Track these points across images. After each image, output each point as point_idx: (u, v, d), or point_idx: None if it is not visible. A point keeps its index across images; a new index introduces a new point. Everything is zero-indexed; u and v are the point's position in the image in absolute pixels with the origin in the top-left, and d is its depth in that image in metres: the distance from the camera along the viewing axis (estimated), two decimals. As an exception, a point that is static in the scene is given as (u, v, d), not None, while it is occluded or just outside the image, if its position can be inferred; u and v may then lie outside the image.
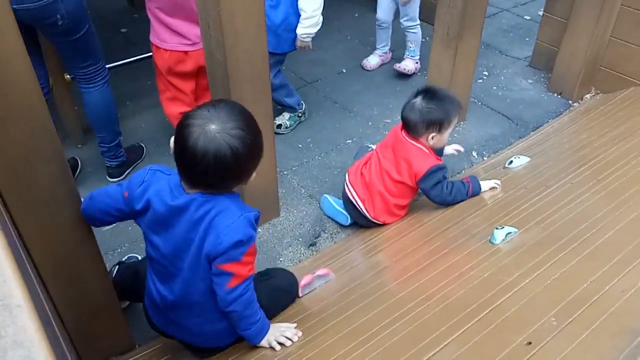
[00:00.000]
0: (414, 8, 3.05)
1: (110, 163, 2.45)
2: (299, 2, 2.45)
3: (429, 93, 2.02)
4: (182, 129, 1.23)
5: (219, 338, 1.55)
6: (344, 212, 2.21)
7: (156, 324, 1.56)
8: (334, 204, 2.24)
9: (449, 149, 2.28)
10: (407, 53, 3.24)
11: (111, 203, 1.40)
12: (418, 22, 3.13)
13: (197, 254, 1.33)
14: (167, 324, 1.54)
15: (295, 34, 2.52)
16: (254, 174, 1.35)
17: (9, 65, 1.16)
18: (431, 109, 1.99)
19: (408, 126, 2.04)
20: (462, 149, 2.31)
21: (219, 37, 1.66)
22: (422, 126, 2.00)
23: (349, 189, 2.15)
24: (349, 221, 2.21)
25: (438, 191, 2.02)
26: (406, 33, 3.17)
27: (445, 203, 2.06)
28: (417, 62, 3.25)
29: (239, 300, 1.35)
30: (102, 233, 2.11)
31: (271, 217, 2.24)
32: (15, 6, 1.85)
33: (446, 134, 2.05)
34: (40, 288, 1.26)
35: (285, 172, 2.52)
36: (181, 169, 1.28)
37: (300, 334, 1.51)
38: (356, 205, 2.12)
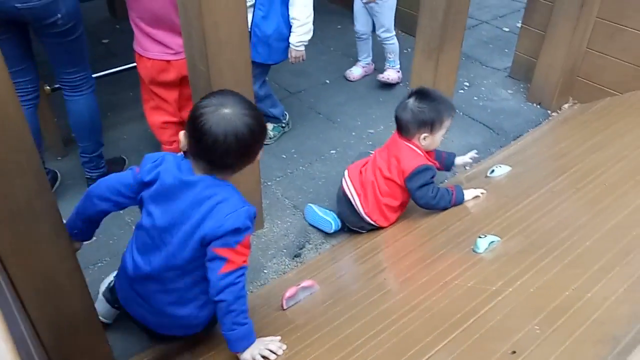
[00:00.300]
0: (389, 19, 3.08)
1: (91, 174, 2.41)
2: (290, 11, 2.45)
3: (421, 94, 2.05)
4: (197, 118, 1.32)
5: (178, 324, 1.57)
6: (328, 218, 2.21)
7: (120, 299, 1.61)
8: (318, 212, 2.24)
9: (463, 160, 2.28)
10: (388, 64, 3.27)
11: (120, 180, 1.49)
12: (394, 32, 3.16)
13: (191, 232, 1.39)
14: (130, 300, 1.58)
15: (287, 44, 2.52)
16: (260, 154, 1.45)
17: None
18: (423, 109, 2.01)
19: (400, 126, 2.07)
20: (476, 155, 2.31)
21: (202, 48, 1.65)
22: (414, 126, 2.03)
23: (346, 183, 2.17)
24: (333, 228, 2.20)
25: (423, 193, 2.03)
26: (384, 45, 3.20)
27: (429, 206, 2.07)
28: (398, 72, 3.28)
29: (230, 289, 1.37)
30: (82, 247, 2.08)
31: (255, 229, 2.22)
32: (19, 5, 1.85)
33: (438, 135, 2.06)
34: (16, 306, 1.22)
35: (269, 183, 2.50)
36: (200, 154, 1.37)
37: (284, 347, 1.49)
38: (352, 200, 2.13)
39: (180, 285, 1.48)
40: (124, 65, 2.70)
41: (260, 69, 2.56)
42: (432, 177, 2.06)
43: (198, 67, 1.74)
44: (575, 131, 2.71)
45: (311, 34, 2.53)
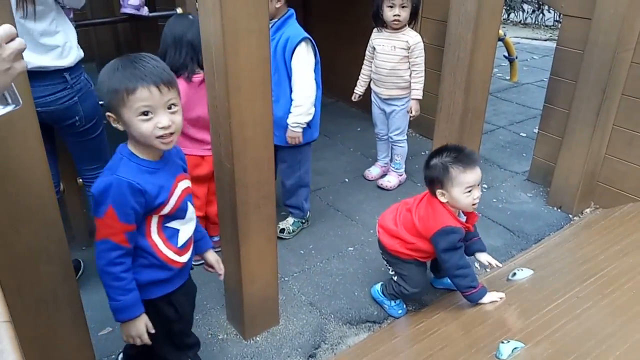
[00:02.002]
0: (404, 123, 3.20)
1: None
2: (292, 92, 2.48)
3: (446, 149, 2.03)
4: None
5: None
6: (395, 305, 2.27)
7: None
8: (384, 299, 2.29)
9: (487, 258, 2.19)
10: (393, 166, 3.36)
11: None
12: (406, 137, 3.27)
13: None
14: None
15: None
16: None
17: (28, 168, 1.22)
18: (435, 164, 2.00)
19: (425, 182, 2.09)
20: (495, 263, 2.18)
21: (228, 146, 1.74)
22: (427, 182, 2.04)
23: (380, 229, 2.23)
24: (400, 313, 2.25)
25: (448, 257, 1.99)
26: (394, 146, 3.30)
27: (451, 276, 2.04)
28: (400, 175, 3.36)
29: (97, 256, 1.35)
30: (97, 337, 2.06)
31: (270, 325, 2.19)
32: (39, 109, 1.97)
33: (455, 192, 1.96)
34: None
35: (286, 279, 2.49)
36: None
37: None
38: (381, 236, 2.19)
39: None
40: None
41: (301, 154, 2.65)
42: (459, 240, 1.99)
43: (224, 164, 1.82)
44: (599, 236, 2.68)
45: (309, 117, 2.51)
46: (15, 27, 0.95)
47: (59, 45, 1.97)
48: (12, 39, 0.94)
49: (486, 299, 2.04)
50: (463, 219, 2.09)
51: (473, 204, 1.99)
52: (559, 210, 3.07)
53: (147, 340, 1.44)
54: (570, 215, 3.01)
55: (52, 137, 2.25)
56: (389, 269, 2.25)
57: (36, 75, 1.87)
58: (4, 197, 1.21)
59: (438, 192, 2.01)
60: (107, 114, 1.36)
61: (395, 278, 2.22)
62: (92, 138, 2.22)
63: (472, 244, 2.21)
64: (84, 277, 2.48)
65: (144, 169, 1.37)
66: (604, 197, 2.99)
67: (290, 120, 2.49)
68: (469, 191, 1.96)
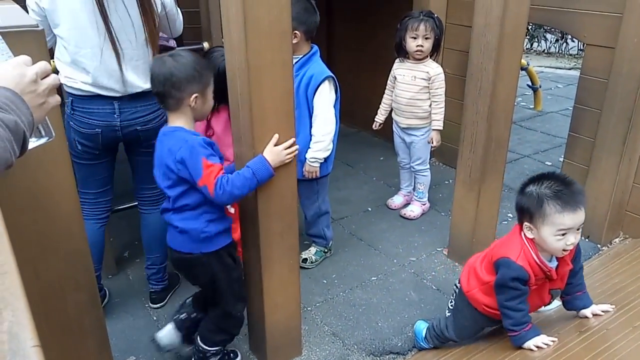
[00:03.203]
0: (425, 153, 3.21)
1: (156, 287, 2.50)
2: (312, 128, 2.50)
3: (548, 178, 1.76)
4: None
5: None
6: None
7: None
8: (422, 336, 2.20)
9: (587, 313, 1.96)
10: (416, 195, 3.35)
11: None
12: (428, 166, 3.27)
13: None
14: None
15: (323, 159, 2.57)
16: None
17: (57, 199, 1.26)
18: (529, 192, 1.74)
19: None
20: (604, 309, 1.97)
21: (252, 176, 1.77)
22: (517, 210, 1.79)
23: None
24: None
25: (497, 291, 1.79)
26: (416, 176, 3.30)
27: (501, 312, 1.84)
28: (424, 204, 3.34)
29: (223, 190, 1.72)
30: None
31: (293, 356, 2.17)
32: (139, 127, 2.12)
33: (544, 231, 1.70)
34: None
35: (309, 308, 2.48)
36: None
37: None
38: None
39: None
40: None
41: (318, 185, 2.67)
42: (513, 280, 1.73)
43: (248, 194, 1.84)
44: (629, 267, 2.61)
45: (328, 152, 2.53)
46: (49, 63, 1.00)
47: None
48: (47, 75, 0.98)
49: (530, 343, 1.82)
50: (553, 265, 1.81)
51: (564, 250, 1.72)
52: (587, 240, 3.00)
53: (290, 142, 1.78)
54: (599, 245, 2.94)
55: (115, 163, 2.33)
56: (450, 306, 2.09)
57: (140, 97, 2.11)
58: (34, 226, 1.25)
59: (525, 225, 1.76)
60: (195, 95, 1.70)
61: (447, 314, 2.08)
62: None
63: (574, 300, 1.95)
64: (109, 305, 2.51)
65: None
66: (633, 226, 2.92)
67: (309, 155, 2.51)
68: (563, 234, 1.69)
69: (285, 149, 1.76)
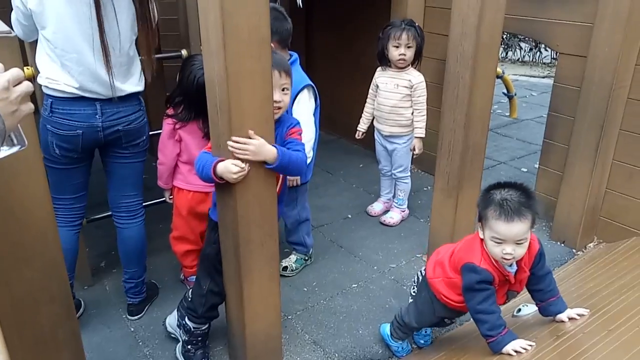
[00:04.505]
0: (406, 160, 3.24)
1: (133, 300, 2.45)
2: None
3: (509, 187, 1.82)
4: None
5: None
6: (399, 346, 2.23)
7: None
8: (390, 339, 2.25)
9: (563, 318, 1.97)
10: (396, 202, 3.37)
11: None
12: (409, 173, 3.31)
13: None
14: None
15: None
16: None
17: (31, 208, 1.23)
18: (488, 195, 1.80)
19: None
20: (580, 313, 1.99)
21: (231, 184, 1.76)
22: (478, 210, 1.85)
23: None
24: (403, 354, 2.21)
25: (468, 297, 1.83)
26: (397, 183, 3.32)
27: (473, 317, 1.89)
28: (403, 211, 3.36)
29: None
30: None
31: (273, 365, 2.15)
32: (120, 127, 2.12)
33: (486, 234, 1.78)
34: None
35: (289, 317, 2.47)
36: None
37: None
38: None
39: None
40: (156, 200, 2.85)
41: (297, 193, 2.67)
42: (479, 282, 1.79)
43: (228, 202, 1.83)
44: (603, 271, 2.66)
45: (308, 160, 2.52)
46: (22, 70, 0.98)
47: (137, 72, 2.18)
48: (20, 82, 0.97)
49: (509, 347, 1.83)
50: (512, 269, 1.86)
51: (503, 258, 1.77)
52: (562, 244, 3.06)
53: (244, 167, 1.72)
54: (574, 250, 3.00)
55: (89, 172, 2.29)
56: (412, 293, 2.17)
57: (123, 99, 2.12)
58: (7, 236, 1.22)
59: (479, 224, 1.85)
60: None
61: (410, 301, 2.17)
62: (141, 162, 2.32)
63: (548, 306, 1.98)
64: (84, 317, 2.46)
65: None
66: (607, 231, 2.98)
67: None
68: (498, 242, 1.76)
69: (236, 172, 1.70)
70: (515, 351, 1.83)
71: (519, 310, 2.27)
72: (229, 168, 1.69)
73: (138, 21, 2.07)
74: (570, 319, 1.99)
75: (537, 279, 1.94)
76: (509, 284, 1.90)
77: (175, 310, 2.25)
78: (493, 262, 1.82)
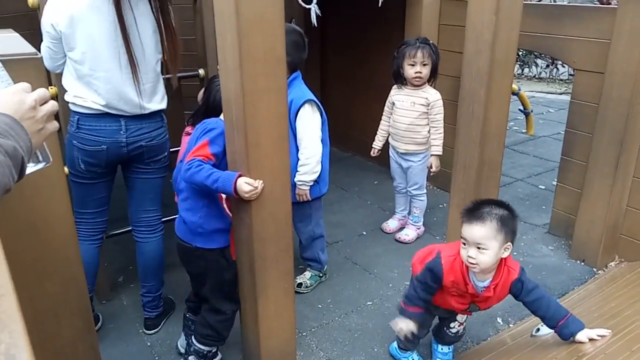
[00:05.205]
0: (422, 178, 3.24)
1: (150, 314, 2.48)
2: (298, 152, 2.50)
3: (497, 203, 1.94)
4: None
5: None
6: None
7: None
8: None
9: (581, 338, 1.93)
10: (411, 219, 3.36)
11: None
12: (425, 190, 3.29)
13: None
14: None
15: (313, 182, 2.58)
16: None
17: (54, 225, 1.26)
18: (483, 203, 1.91)
19: None
20: (601, 334, 1.95)
21: (247, 201, 1.78)
22: None
23: None
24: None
25: (417, 273, 2.01)
26: (413, 200, 3.31)
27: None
28: (418, 229, 3.35)
29: (185, 169, 1.84)
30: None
31: (288, 383, 2.14)
32: (143, 143, 2.16)
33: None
34: None
35: (304, 334, 2.46)
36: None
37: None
38: None
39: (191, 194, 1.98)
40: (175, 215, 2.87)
41: (311, 209, 2.67)
42: (429, 269, 1.94)
43: (244, 218, 1.85)
44: (625, 290, 2.61)
45: (315, 175, 2.52)
46: (48, 90, 1.01)
47: (161, 91, 2.24)
48: (46, 102, 1.00)
49: (399, 322, 2.00)
50: (482, 284, 1.92)
51: (467, 261, 1.84)
52: (582, 263, 3.01)
53: (257, 186, 1.75)
54: (594, 269, 2.95)
55: (112, 188, 2.33)
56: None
57: (147, 116, 2.18)
58: (30, 251, 1.25)
59: None
60: None
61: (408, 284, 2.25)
62: (162, 177, 2.37)
63: (562, 329, 1.94)
64: (102, 331, 2.48)
65: None
66: (629, 250, 2.93)
67: (297, 178, 2.51)
68: (464, 245, 1.86)
69: (248, 192, 1.75)
70: (401, 329, 1.99)
71: (538, 330, 2.23)
72: (244, 188, 1.74)
73: (161, 31, 2.11)
74: (591, 339, 1.95)
75: (528, 305, 1.96)
76: (470, 295, 1.94)
77: (184, 335, 2.28)
78: (463, 265, 1.89)
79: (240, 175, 1.76)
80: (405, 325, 1.98)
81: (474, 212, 1.85)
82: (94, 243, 2.33)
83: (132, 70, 2.05)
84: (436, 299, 2.04)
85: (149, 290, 2.43)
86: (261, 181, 1.76)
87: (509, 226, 1.84)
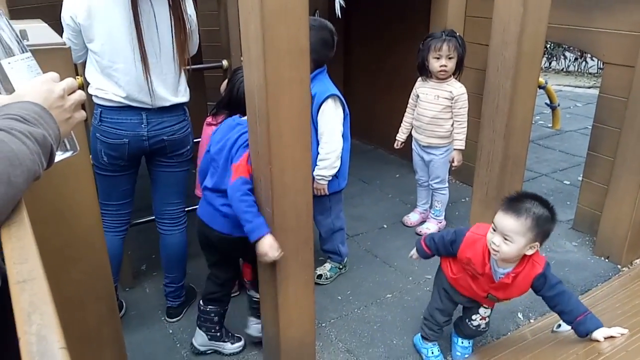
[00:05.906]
0: (444, 172, 3.21)
1: (173, 303, 2.52)
2: (318, 147, 2.50)
3: (536, 198, 1.90)
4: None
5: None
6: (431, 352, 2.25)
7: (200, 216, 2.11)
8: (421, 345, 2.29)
9: (598, 336, 1.93)
10: (433, 213, 3.33)
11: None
12: (447, 184, 3.27)
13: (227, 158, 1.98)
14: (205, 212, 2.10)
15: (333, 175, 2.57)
16: None
17: (80, 212, 1.29)
18: (524, 195, 1.92)
19: None
20: (617, 332, 1.94)
21: (269, 191, 1.79)
22: None
23: None
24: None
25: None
26: (435, 193, 3.29)
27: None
28: (440, 222, 3.33)
29: (233, 189, 1.85)
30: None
31: (307, 373, 2.16)
32: (166, 137, 2.19)
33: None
34: None
35: (323, 325, 2.48)
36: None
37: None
38: None
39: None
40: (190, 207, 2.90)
41: (330, 202, 2.67)
42: (453, 232, 2.02)
43: (264, 209, 1.86)
44: (650, 288, 2.56)
45: (334, 170, 2.52)
46: (75, 79, 1.04)
47: (183, 83, 2.24)
48: (74, 91, 1.02)
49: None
50: (501, 271, 1.92)
51: (490, 246, 1.86)
52: (607, 260, 2.96)
53: (275, 255, 1.80)
54: (619, 266, 2.90)
55: (136, 179, 2.37)
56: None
57: (168, 109, 2.19)
58: (57, 238, 1.28)
59: None
60: None
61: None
62: (185, 170, 2.39)
63: (578, 326, 1.95)
64: (125, 318, 2.53)
65: None
66: (655, 247, 2.87)
67: (316, 172, 2.51)
68: (493, 231, 1.86)
69: (263, 254, 1.82)
70: None
71: (559, 325, 2.21)
72: (263, 245, 1.81)
73: (171, 22, 2.11)
74: (608, 337, 1.92)
75: (548, 300, 1.98)
76: (486, 279, 1.94)
77: (200, 331, 2.29)
78: (486, 247, 1.90)
79: (269, 233, 1.81)
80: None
81: (514, 203, 1.83)
82: (118, 234, 2.37)
83: (143, 62, 2.05)
84: (458, 279, 2.05)
85: (172, 281, 2.47)
86: (282, 252, 1.81)
87: (542, 227, 1.81)
